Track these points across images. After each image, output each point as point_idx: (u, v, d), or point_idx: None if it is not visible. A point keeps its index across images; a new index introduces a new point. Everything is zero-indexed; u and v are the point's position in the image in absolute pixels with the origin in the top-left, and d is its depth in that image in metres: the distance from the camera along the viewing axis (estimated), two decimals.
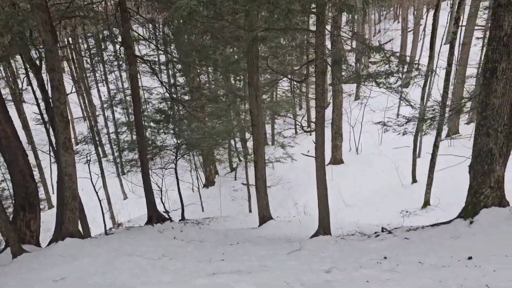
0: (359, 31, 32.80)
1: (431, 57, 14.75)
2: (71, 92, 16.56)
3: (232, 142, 23.31)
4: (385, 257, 5.46)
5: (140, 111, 11.94)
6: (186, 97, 16.13)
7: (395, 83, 8.82)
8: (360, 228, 11.36)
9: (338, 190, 18.59)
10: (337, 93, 19.99)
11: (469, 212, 6.72)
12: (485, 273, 4.27)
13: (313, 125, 29.20)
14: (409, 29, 36.32)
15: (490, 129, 6.30)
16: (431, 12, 35.16)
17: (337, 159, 21.43)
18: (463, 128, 22.85)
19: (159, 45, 12.10)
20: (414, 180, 18.00)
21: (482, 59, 21.01)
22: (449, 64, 11.62)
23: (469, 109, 9.88)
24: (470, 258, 4.80)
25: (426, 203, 15.53)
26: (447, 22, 31.46)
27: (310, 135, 26.67)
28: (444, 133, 22.72)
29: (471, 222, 6.45)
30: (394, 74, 8.72)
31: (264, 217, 11.87)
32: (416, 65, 9.00)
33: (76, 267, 5.85)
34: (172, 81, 22.83)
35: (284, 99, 22.57)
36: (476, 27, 22.26)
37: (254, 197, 21.08)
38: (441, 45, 29.02)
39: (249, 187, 19.03)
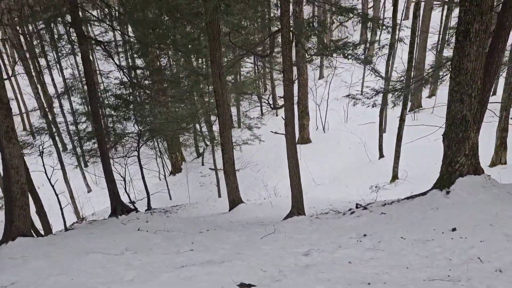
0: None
1: (394, 29, 14.61)
2: (11, 76, 15.25)
3: (198, 126, 22.65)
4: (365, 235, 5.16)
5: (95, 96, 11.14)
6: (147, 82, 15.33)
7: (363, 54, 8.50)
8: (333, 206, 11.16)
9: (307, 170, 18.40)
10: (302, 71, 19.64)
11: (444, 182, 6.54)
12: (472, 244, 4.02)
13: (281, 102, 28.84)
14: (369, 6, 36.30)
15: (464, 95, 6.08)
16: None
17: (304, 138, 21.23)
18: (425, 102, 23.15)
19: (114, 25, 11.23)
20: (381, 155, 18.05)
21: (442, 29, 21.20)
22: (413, 32, 11.44)
23: (438, 78, 9.73)
24: (454, 229, 4.56)
25: (395, 177, 15.60)
26: None
27: (277, 115, 26.33)
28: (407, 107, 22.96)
29: (447, 192, 6.27)
30: (362, 44, 8.36)
31: (234, 201, 11.46)
32: (386, 26, 8.63)
33: (28, 270, 5.23)
34: (131, 64, 21.73)
35: (248, 80, 21.97)
36: (435, 2, 22.38)
37: (222, 181, 20.56)
38: (401, 21, 29.14)
39: (217, 172, 18.57)
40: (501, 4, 6.11)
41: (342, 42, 9.04)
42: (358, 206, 7.62)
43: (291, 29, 6.44)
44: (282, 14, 6.23)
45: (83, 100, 23.65)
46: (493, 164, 14.47)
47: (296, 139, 21.25)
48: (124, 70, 11.45)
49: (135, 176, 18.66)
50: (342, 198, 13.39)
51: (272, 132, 8.57)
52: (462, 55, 5.91)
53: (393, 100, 11.51)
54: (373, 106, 11.75)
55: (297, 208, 7.27)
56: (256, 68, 29.46)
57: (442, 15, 23.19)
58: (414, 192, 13.41)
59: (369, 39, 18.47)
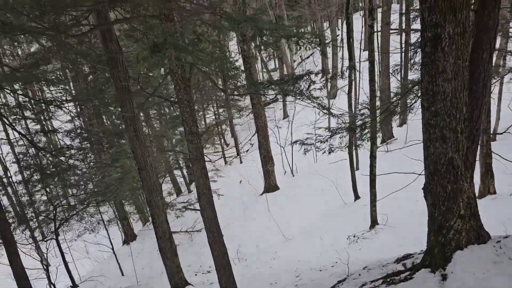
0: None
1: (350, 58, 13.08)
2: None
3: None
4: None
5: None
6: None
7: (307, 88, 6.64)
8: (300, 278, 8.92)
9: (275, 223, 16.15)
10: (259, 114, 17.86)
11: (436, 258, 4.44)
12: None
13: (247, 147, 26.89)
14: (327, 41, 35.67)
15: (446, 130, 4.11)
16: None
17: (271, 186, 19.11)
18: (397, 132, 21.63)
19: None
20: (356, 197, 16.06)
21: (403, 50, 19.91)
22: (371, 52, 9.72)
23: (405, 107, 7.97)
24: None
25: (374, 222, 13.50)
26: (362, 27, 30.98)
27: (241, 162, 24.28)
28: (378, 140, 21.35)
29: (443, 277, 4.16)
30: (304, 78, 6.50)
31: (177, 285, 9.05)
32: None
33: None
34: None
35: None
36: (391, 31, 21.35)
37: (181, 247, 18.13)
38: (360, 52, 28.18)
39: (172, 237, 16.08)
40: None
41: (278, 76, 7.15)
42: None
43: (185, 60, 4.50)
44: (164, 33, 4.25)
45: None
46: (481, 195, 12.63)
47: (262, 187, 19.28)
48: (26, 135, 9.23)
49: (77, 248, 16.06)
50: (314, 261, 11.12)
51: (186, 208, 6.39)
52: (435, 72, 3.99)
53: (359, 137, 9.59)
54: (329, 152, 9.77)
55: None
56: (216, 113, 27.70)
57: (401, 39, 22.14)
58: (398, 242, 11.24)
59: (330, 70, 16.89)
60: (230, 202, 19.67)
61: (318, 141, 8.65)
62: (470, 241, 4.33)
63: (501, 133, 8.58)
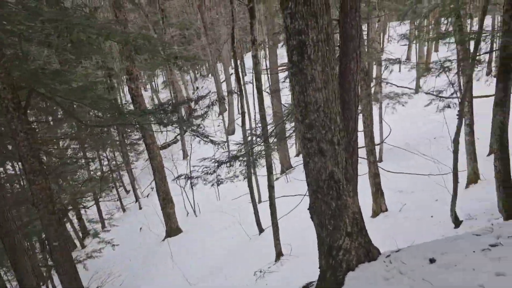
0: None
1: (240, 91, 13.10)
2: None
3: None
4: None
5: None
6: None
7: (188, 116, 6.17)
8: None
9: (178, 268, 15.05)
10: (154, 156, 16.90)
11: (329, 283, 4.07)
12: None
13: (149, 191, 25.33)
14: (221, 80, 36.31)
15: (323, 143, 3.85)
16: (240, 62, 35.59)
17: (173, 229, 18.01)
18: (295, 161, 22.14)
19: None
20: (261, 230, 15.75)
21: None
22: (257, 79, 9.71)
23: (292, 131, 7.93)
24: None
25: (279, 254, 13.23)
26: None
27: (140, 208, 22.72)
28: (278, 169, 21.62)
29: None
30: (184, 104, 6.00)
31: None
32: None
33: None
34: None
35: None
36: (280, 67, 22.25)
37: None
38: (253, 87, 28.92)
39: None
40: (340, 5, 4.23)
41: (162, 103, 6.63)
42: None
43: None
44: None
45: None
46: (375, 214, 13.24)
47: (164, 232, 18.08)
48: None
49: None
50: None
51: None
52: (304, 82, 3.75)
53: (257, 164, 9.36)
54: (218, 184, 9.39)
55: None
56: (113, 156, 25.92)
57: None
58: (303, 271, 10.96)
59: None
60: (129, 252, 18.07)
61: (205, 173, 8.16)
62: (360, 260, 4.06)
63: (379, 144, 8.90)
